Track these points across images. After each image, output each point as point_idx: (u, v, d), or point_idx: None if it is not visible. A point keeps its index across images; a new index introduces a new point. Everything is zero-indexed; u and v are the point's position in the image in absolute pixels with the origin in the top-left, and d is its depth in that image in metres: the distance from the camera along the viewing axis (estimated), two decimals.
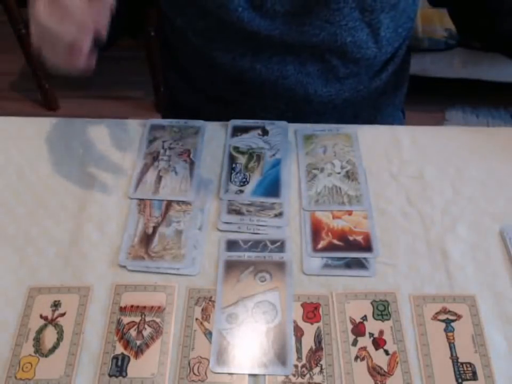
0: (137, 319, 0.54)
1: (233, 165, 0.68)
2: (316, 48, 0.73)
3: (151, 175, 0.67)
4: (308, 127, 0.73)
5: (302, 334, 0.53)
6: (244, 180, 0.66)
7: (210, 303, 0.55)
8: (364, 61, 0.75)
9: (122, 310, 0.55)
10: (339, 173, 0.67)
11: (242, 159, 0.69)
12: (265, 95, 0.76)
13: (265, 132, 0.72)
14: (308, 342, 0.53)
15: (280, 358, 0.52)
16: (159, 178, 0.66)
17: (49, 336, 0.53)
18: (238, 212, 0.63)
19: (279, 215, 0.63)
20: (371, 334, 0.53)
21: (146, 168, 0.68)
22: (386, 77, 0.79)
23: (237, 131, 0.72)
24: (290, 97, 0.77)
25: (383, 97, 0.83)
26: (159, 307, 0.55)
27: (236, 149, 0.70)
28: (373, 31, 0.72)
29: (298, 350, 0.52)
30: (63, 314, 0.55)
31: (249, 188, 0.66)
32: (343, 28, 0.71)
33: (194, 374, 0.51)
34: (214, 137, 0.72)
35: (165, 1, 0.76)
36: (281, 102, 0.76)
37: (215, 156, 0.70)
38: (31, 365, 0.51)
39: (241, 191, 0.65)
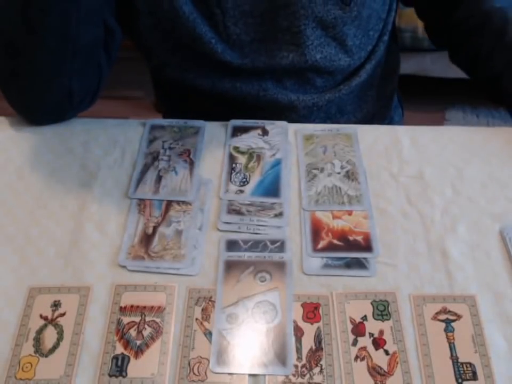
0: (137, 319, 0.54)
1: (233, 165, 0.68)
2: (289, 68, 0.74)
3: (151, 175, 0.67)
4: (308, 127, 0.73)
5: (302, 334, 0.53)
6: (244, 180, 0.66)
7: (210, 303, 0.55)
8: (338, 71, 0.76)
9: (122, 310, 0.55)
10: (339, 173, 0.67)
11: (242, 159, 0.69)
12: (250, 108, 0.78)
13: (265, 132, 0.72)
14: (308, 342, 0.53)
15: (280, 358, 0.52)
16: (159, 178, 0.66)
17: (49, 336, 0.53)
18: (238, 212, 0.63)
19: (279, 215, 0.63)
20: (371, 334, 0.53)
21: (146, 168, 0.68)
22: (365, 73, 0.80)
23: (237, 131, 0.72)
24: (275, 106, 0.78)
25: (369, 90, 0.84)
26: (159, 307, 0.55)
27: (236, 149, 0.70)
28: (340, 43, 0.74)
29: (298, 350, 0.52)
30: (63, 314, 0.55)
31: (249, 188, 0.66)
32: (310, 47, 0.72)
33: (194, 374, 0.51)
34: (214, 137, 0.72)
35: (139, 41, 0.78)
36: (267, 111, 0.77)
37: (215, 156, 0.70)
38: (31, 365, 0.51)
39: (241, 191, 0.65)
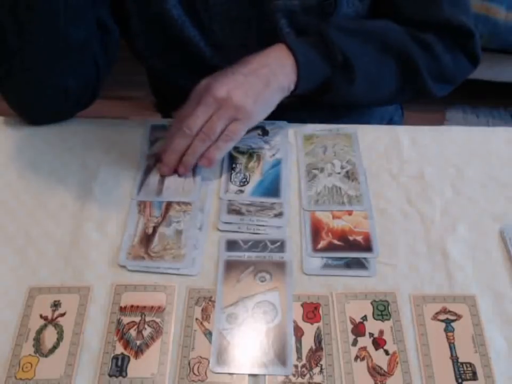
0: (137, 319, 0.54)
1: (233, 165, 0.68)
2: None
3: (153, 177, 0.67)
4: (308, 127, 0.73)
5: (302, 334, 0.53)
6: (244, 180, 0.66)
7: (210, 303, 0.55)
8: None
9: (122, 310, 0.55)
10: (339, 173, 0.67)
11: (242, 159, 0.69)
12: None
13: (265, 132, 0.72)
14: (308, 342, 0.53)
15: (280, 358, 0.52)
16: (162, 180, 0.66)
17: (49, 336, 0.53)
18: (238, 212, 0.63)
19: (279, 215, 0.63)
20: (371, 334, 0.53)
21: (148, 170, 0.68)
22: None
23: None
24: None
25: None
26: (159, 307, 0.55)
27: (236, 149, 0.70)
28: None
29: (298, 350, 0.52)
30: (63, 314, 0.55)
31: (249, 188, 0.66)
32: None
33: (194, 374, 0.51)
34: None
35: (132, 43, 0.77)
36: None
37: None
38: (31, 365, 0.51)
39: (241, 191, 0.65)
